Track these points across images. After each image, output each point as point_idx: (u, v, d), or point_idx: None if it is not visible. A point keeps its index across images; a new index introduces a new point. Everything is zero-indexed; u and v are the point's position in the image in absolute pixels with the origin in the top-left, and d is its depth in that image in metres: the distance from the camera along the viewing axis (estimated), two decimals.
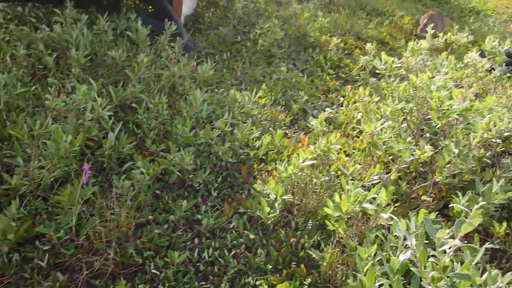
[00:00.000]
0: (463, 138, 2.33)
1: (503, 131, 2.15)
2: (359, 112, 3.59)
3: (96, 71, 3.07)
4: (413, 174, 2.87)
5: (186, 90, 3.05)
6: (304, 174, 2.51)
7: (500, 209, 2.67)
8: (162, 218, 2.29)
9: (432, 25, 3.81)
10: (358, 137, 3.39)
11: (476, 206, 1.40)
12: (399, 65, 3.12)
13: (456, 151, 2.21)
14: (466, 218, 1.42)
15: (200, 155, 2.73)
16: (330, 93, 4.08)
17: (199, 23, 4.36)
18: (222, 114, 3.02)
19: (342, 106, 3.86)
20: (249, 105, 3.18)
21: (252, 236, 2.29)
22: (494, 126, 2.17)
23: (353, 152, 3.15)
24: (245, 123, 2.98)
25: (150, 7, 3.86)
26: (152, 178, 2.38)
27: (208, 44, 4.05)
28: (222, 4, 4.73)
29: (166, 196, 2.45)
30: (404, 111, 3.04)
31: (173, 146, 2.51)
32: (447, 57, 3.53)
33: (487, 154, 2.64)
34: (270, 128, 3.19)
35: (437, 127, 2.69)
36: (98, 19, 3.20)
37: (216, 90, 3.38)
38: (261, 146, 2.90)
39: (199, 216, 2.36)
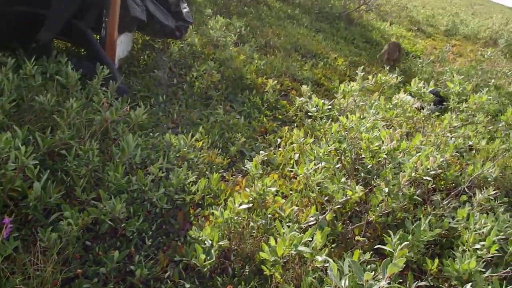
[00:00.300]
0: (393, 178, 2.40)
1: (429, 170, 2.24)
2: (296, 153, 3.65)
3: (22, 117, 2.93)
4: (349, 213, 2.92)
5: (119, 135, 2.98)
6: (240, 218, 2.49)
7: (432, 245, 2.77)
8: (92, 271, 2.17)
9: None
10: (295, 178, 3.42)
11: (400, 247, 1.43)
12: (330, 107, 3.21)
13: (387, 190, 2.28)
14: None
15: (133, 202, 2.64)
16: (268, 135, 4.12)
17: (134, 65, 4.32)
18: (157, 158, 2.95)
19: (279, 147, 3.91)
20: (185, 149, 3.14)
21: (187, 286, 2.22)
22: (421, 165, 2.26)
23: (290, 194, 3.17)
24: (181, 167, 2.93)
25: (83, 50, 3.79)
26: (81, 228, 2.26)
27: (143, 87, 4.01)
28: (157, 47, 4.73)
29: (96, 247, 2.33)
30: (338, 151, 3.12)
31: (105, 194, 2.42)
32: (379, 97, 3.70)
33: (417, 192, 2.73)
34: (207, 172, 3.16)
35: (368, 166, 2.76)
36: (25, 63, 3.09)
37: (151, 134, 3.32)
38: (198, 190, 2.85)
39: (132, 267, 2.26)
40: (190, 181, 2.89)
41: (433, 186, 3.17)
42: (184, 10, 4.39)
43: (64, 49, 3.88)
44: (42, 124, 2.89)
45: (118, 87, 3.14)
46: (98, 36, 3.73)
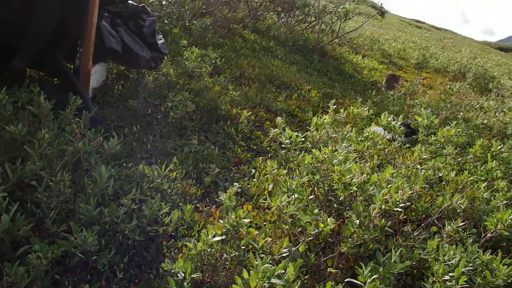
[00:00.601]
0: (363, 210, 2.44)
1: (399, 202, 2.28)
2: (270, 184, 3.66)
3: None
4: (322, 245, 2.93)
5: (91, 166, 2.95)
6: (214, 250, 2.47)
7: (404, 276, 2.79)
8: None
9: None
10: (269, 209, 3.43)
11: (369, 280, 1.45)
12: (303, 139, 3.26)
13: (358, 222, 2.31)
14: None
15: (105, 234, 2.60)
16: (242, 165, 4.14)
17: (109, 95, 4.31)
18: (130, 190, 2.93)
19: (253, 178, 3.92)
20: (159, 180, 3.12)
21: None
22: (391, 197, 2.31)
23: (264, 225, 3.17)
24: (154, 198, 2.91)
25: (56, 79, 3.77)
26: (50, 262, 2.21)
27: (117, 117, 4.00)
28: (132, 77, 4.74)
29: (66, 281, 2.28)
30: (311, 183, 3.15)
31: (76, 226, 2.38)
32: (351, 129, 3.77)
33: (389, 223, 2.77)
34: (181, 203, 3.15)
35: (341, 198, 2.80)
36: None
37: (124, 164, 3.30)
38: (171, 222, 2.83)
39: None
40: (164, 213, 2.86)
41: (404, 217, 3.22)
42: (160, 42, 4.43)
43: (37, 79, 3.86)
44: (12, 155, 2.84)
45: (91, 117, 3.13)
46: (72, 66, 3.72)
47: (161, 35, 4.59)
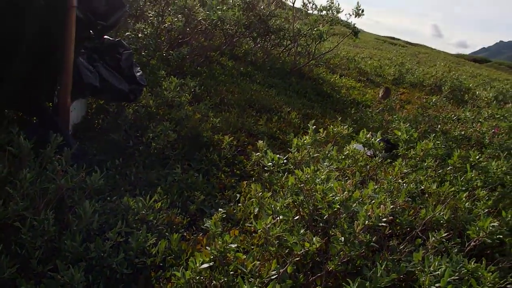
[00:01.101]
0: (348, 227, 2.47)
1: (381, 217, 2.32)
2: (255, 207, 3.68)
3: None
4: (310, 264, 2.95)
5: (75, 202, 2.94)
6: (202, 277, 2.47)
7: None
8: None
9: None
10: (256, 232, 3.44)
11: None
12: (285, 161, 3.30)
13: (343, 239, 2.34)
14: None
15: (92, 270, 2.58)
16: (227, 191, 4.16)
17: (89, 130, 4.31)
18: (115, 223, 2.92)
19: (239, 202, 3.94)
20: (144, 211, 3.12)
21: None
22: (373, 213, 2.34)
23: (252, 249, 3.17)
24: (140, 230, 2.91)
25: (35, 118, 3.77)
26: None
27: (99, 151, 4.00)
28: (112, 110, 4.76)
29: None
30: (296, 203, 3.18)
31: (62, 264, 2.36)
32: (332, 148, 3.83)
33: (374, 238, 2.80)
34: (167, 233, 3.14)
35: (325, 217, 2.83)
36: None
37: (108, 198, 3.29)
38: (158, 252, 2.82)
39: None
40: (150, 244, 2.86)
41: (390, 231, 3.25)
42: (138, 74, 4.47)
43: (15, 119, 3.85)
44: None
45: (73, 154, 3.13)
46: (51, 104, 3.73)
47: (139, 67, 4.63)
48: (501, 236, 2.88)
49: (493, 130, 6.70)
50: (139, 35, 6.56)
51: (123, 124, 4.50)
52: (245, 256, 2.83)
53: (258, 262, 2.80)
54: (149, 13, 7.44)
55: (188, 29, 7.88)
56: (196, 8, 7.79)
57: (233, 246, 2.57)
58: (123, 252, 2.64)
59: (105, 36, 4.28)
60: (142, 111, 4.78)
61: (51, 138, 3.09)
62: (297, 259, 2.55)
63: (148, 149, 4.32)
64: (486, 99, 11.71)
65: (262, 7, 10.31)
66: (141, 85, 4.50)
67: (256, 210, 3.66)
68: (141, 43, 6.47)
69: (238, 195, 4.06)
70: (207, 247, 2.68)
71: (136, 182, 3.77)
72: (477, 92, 12.93)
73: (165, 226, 3.21)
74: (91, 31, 3.91)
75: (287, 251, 2.77)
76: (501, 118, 7.98)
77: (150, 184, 3.81)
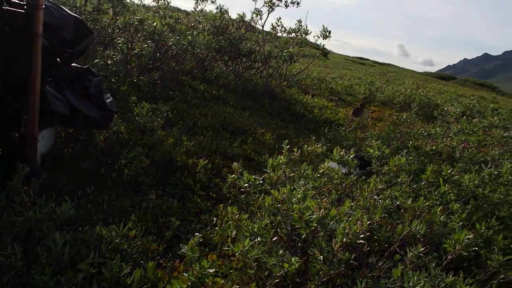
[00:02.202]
0: (326, 245, 2.44)
1: (358, 234, 2.30)
2: (233, 230, 3.63)
3: None
4: (290, 286, 2.90)
5: (44, 234, 2.83)
6: None
7: None
8: None
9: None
10: (234, 256, 3.38)
11: None
12: (261, 181, 3.28)
13: (321, 258, 2.31)
14: None
15: None
16: (203, 215, 4.10)
17: (59, 160, 4.20)
18: (87, 254, 2.82)
19: (216, 226, 3.88)
20: (117, 240, 3.03)
21: None
22: (350, 230, 2.33)
23: (231, 273, 3.11)
24: (114, 259, 2.82)
25: (0, 149, 3.66)
26: None
27: (69, 181, 3.89)
28: (82, 138, 4.66)
29: None
30: (273, 224, 3.14)
31: None
32: (307, 167, 3.82)
33: (353, 256, 2.78)
34: (142, 261, 3.05)
35: (303, 236, 2.80)
36: None
37: (80, 228, 3.19)
38: (133, 282, 2.74)
39: None
40: (125, 273, 2.77)
41: (368, 248, 3.24)
42: (108, 100, 4.41)
43: None
44: None
45: (41, 184, 3.03)
46: (17, 134, 3.63)
47: (109, 94, 4.57)
48: (476, 248, 2.90)
49: (462, 145, 6.84)
50: (109, 61, 6.51)
51: (94, 151, 4.41)
52: (224, 281, 2.77)
53: (237, 286, 2.75)
54: (118, 39, 7.41)
55: (158, 54, 7.87)
56: (166, 33, 7.80)
57: (211, 271, 2.51)
58: (96, 283, 2.55)
59: (73, 64, 4.22)
60: (113, 137, 4.70)
61: (18, 169, 3.00)
62: (277, 280, 2.50)
63: (121, 176, 4.23)
64: (454, 115, 12.00)
65: (232, 31, 10.40)
66: (111, 111, 4.43)
67: (234, 233, 3.60)
68: (110, 69, 6.42)
69: (214, 219, 4.00)
70: (184, 274, 2.61)
71: (109, 211, 3.67)
72: (445, 108, 13.25)
73: (140, 254, 3.13)
74: (58, 59, 3.86)
75: (266, 273, 2.72)
76: (470, 132, 8.18)
77: (123, 211, 3.71)
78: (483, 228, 3.33)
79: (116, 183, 4.12)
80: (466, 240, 2.67)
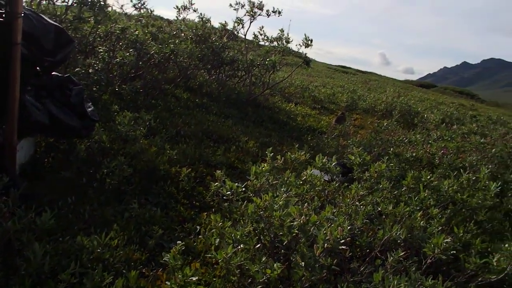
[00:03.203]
0: (307, 251, 2.46)
1: (339, 239, 2.33)
2: (216, 238, 3.62)
3: None
4: None
5: (24, 245, 2.80)
6: None
7: None
8: None
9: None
10: (218, 263, 3.37)
11: None
12: (244, 189, 3.29)
13: (303, 264, 2.32)
14: None
15: None
16: (186, 223, 4.08)
17: (39, 169, 4.16)
18: (68, 264, 2.79)
19: (199, 234, 3.87)
20: (99, 249, 3.01)
21: None
22: (331, 235, 2.35)
23: (214, 280, 3.11)
24: (96, 269, 2.79)
25: None
26: None
27: (49, 190, 3.85)
28: (63, 148, 4.62)
29: None
30: (256, 231, 3.15)
31: None
32: (290, 174, 3.85)
33: (334, 262, 2.80)
34: (124, 270, 3.03)
35: (285, 243, 2.81)
36: None
37: (61, 239, 3.16)
38: None
39: None
40: (107, 283, 2.75)
41: (350, 254, 3.26)
42: (89, 109, 4.38)
43: None
44: None
45: (20, 194, 3.00)
46: None
47: (91, 103, 4.54)
48: (454, 252, 2.94)
49: (442, 151, 6.95)
50: (90, 70, 6.47)
51: (75, 161, 4.37)
52: None
53: None
54: (100, 48, 7.38)
55: (140, 63, 7.85)
56: (148, 42, 7.79)
57: (194, 279, 2.52)
58: None
59: (54, 73, 4.19)
60: (95, 147, 4.66)
61: None
62: (260, 287, 2.51)
63: (103, 185, 4.20)
64: (434, 122, 12.20)
65: (214, 39, 10.42)
66: (93, 120, 4.41)
67: (217, 240, 3.60)
68: (92, 78, 6.38)
69: (198, 227, 3.99)
70: (167, 282, 2.60)
71: (90, 220, 3.64)
72: (426, 115, 13.47)
73: (123, 263, 3.10)
74: (38, 68, 3.83)
75: (249, 280, 2.72)
76: (449, 139, 8.32)
77: (105, 221, 3.68)
78: (462, 232, 3.39)
79: (98, 192, 4.08)
80: (444, 244, 2.72)
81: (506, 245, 2.96)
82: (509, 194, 5.58)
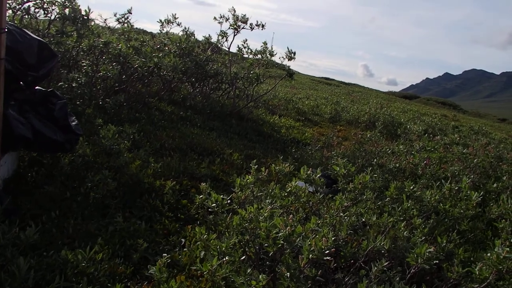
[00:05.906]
0: (292, 262, 2.48)
1: (324, 250, 2.36)
2: (201, 250, 3.63)
3: None
4: None
5: (8, 260, 2.77)
6: None
7: None
8: None
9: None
10: (203, 276, 3.38)
11: None
12: (229, 201, 3.31)
13: (288, 275, 2.34)
14: None
15: None
16: (171, 236, 4.08)
17: (22, 184, 4.12)
18: (53, 278, 2.78)
19: (184, 247, 3.86)
20: (84, 263, 2.99)
21: None
22: (316, 246, 2.38)
23: None
24: (80, 283, 2.78)
25: None
26: None
27: (33, 205, 3.82)
28: (46, 162, 4.59)
29: None
30: (241, 243, 3.16)
31: None
32: (275, 186, 3.88)
33: (319, 272, 2.83)
34: (109, 284, 3.02)
35: (270, 254, 2.83)
36: None
37: (45, 253, 3.13)
38: None
39: None
40: None
41: (335, 265, 3.30)
42: (73, 123, 4.37)
43: None
44: None
45: (4, 209, 2.98)
46: None
47: (74, 117, 4.53)
48: (438, 261, 2.99)
49: (425, 162, 7.06)
50: (73, 84, 6.45)
51: (59, 175, 4.35)
52: None
53: None
54: (83, 62, 7.36)
55: (124, 76, 7.84)
56: (132, 56, 7.80)
57: None
58: None
59: (37, 87, 4.18)
60: (79, 161, 4.64)
61: None
62: None
63: (87, 199, 4.18)
64: (417, 133, 12.36)
65: (198, 52, 10.47)
66: (77, 134, 4.39)
67: (202, 253, 3.60)
68: (75, 92, 6.36)
69: (183, 240, 3.99)
70: None
71: (74, 234, 3.62)
72: (408, 126, 13.64)
73: (108, 277, 3.09)
74: (21, 82, 3.82)
75: None
76: (432, 150, 8.45)
77: (90, 235, 3.67)
78: (445, 241, 3.45)
79: (82, 206, 4.06)
80: (427, 254, 2.76)
81: (489, 254, 3.02)
82: (491, 204, 5.68)
